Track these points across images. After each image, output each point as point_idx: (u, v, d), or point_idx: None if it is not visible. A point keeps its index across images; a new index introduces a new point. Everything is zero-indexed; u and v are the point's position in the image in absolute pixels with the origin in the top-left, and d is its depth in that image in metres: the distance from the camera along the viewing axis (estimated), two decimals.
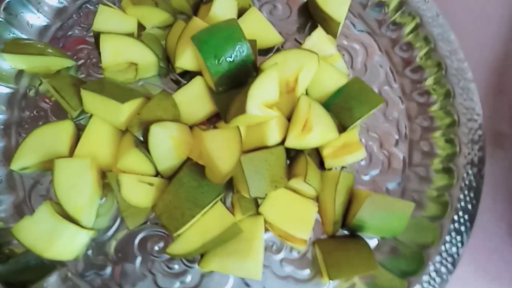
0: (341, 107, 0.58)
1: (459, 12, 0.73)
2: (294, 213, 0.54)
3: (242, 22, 0.59)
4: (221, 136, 0.52)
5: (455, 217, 0.55)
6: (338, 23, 0.63)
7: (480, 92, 0.62)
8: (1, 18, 0.60)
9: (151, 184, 0.53)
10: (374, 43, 0.68)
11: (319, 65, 0.57)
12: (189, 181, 0.53)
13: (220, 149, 0.51)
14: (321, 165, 0.59)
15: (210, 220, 0.53)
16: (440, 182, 0.59)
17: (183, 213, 0.51)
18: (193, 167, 0.54)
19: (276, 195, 0.55)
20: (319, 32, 0.62)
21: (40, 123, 0.59)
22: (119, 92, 0.55)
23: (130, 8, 0.60)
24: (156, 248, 0.55)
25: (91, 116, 0.57)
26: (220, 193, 0.54)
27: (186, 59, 0.57)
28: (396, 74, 0.66)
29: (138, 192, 0.52)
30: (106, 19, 0.59)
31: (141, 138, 0.54)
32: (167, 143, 0.53)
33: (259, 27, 0.62)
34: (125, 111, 0.53)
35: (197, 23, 0.58)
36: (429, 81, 0.64)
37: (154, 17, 0.62)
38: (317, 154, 0.59)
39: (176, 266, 0.54)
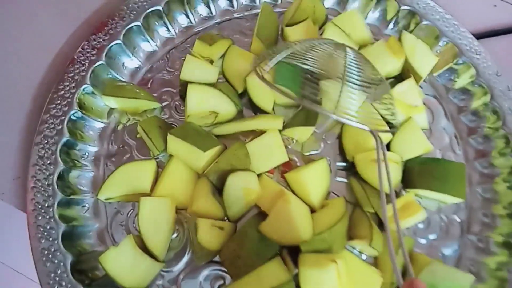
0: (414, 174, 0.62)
1: None
2: (359, 279, 0.56)
3: None
4: (303, 207, 0.57)
5: None
6: (421, 77, 0.66)
7: None
8: (103, 61, 0.67)
9: (221, 228, 0.58)
10: (440, 107, 0.70)
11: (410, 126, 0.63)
12: (252, 231, 0.57)
13: (302, 218, 0.55)
14: (379, 224, 0.61)
15: (268, 272, 0.55)
16: (498, 257, 0.59)
17: (245, 263, 0.55)
18: (257, 218, 0.58)
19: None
20: (410, 81, 0.65)
21: (125, 157, 0.65)
22: (200, 139, 0.60)
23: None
24: (218, 284, 0.59)
25: (170, 155, 0.62)
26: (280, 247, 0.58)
27: None
28: (460, 140, 0.68)
29: (211, 235, 0.57)
30: (192, 69, 0.65)
31: (214, 182, 0.59)
32: (240, 192, 0.58)
33: None
34: (205, 158, 0.59)
35: None
36: (494, 153, 0.65)
37: None
38: (376, 215, 0.61)
39: None
